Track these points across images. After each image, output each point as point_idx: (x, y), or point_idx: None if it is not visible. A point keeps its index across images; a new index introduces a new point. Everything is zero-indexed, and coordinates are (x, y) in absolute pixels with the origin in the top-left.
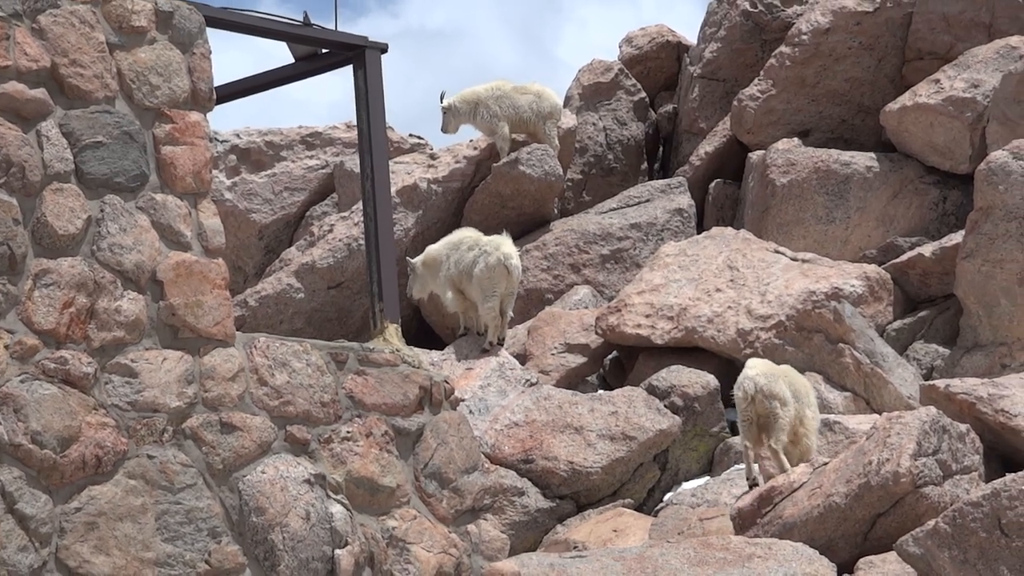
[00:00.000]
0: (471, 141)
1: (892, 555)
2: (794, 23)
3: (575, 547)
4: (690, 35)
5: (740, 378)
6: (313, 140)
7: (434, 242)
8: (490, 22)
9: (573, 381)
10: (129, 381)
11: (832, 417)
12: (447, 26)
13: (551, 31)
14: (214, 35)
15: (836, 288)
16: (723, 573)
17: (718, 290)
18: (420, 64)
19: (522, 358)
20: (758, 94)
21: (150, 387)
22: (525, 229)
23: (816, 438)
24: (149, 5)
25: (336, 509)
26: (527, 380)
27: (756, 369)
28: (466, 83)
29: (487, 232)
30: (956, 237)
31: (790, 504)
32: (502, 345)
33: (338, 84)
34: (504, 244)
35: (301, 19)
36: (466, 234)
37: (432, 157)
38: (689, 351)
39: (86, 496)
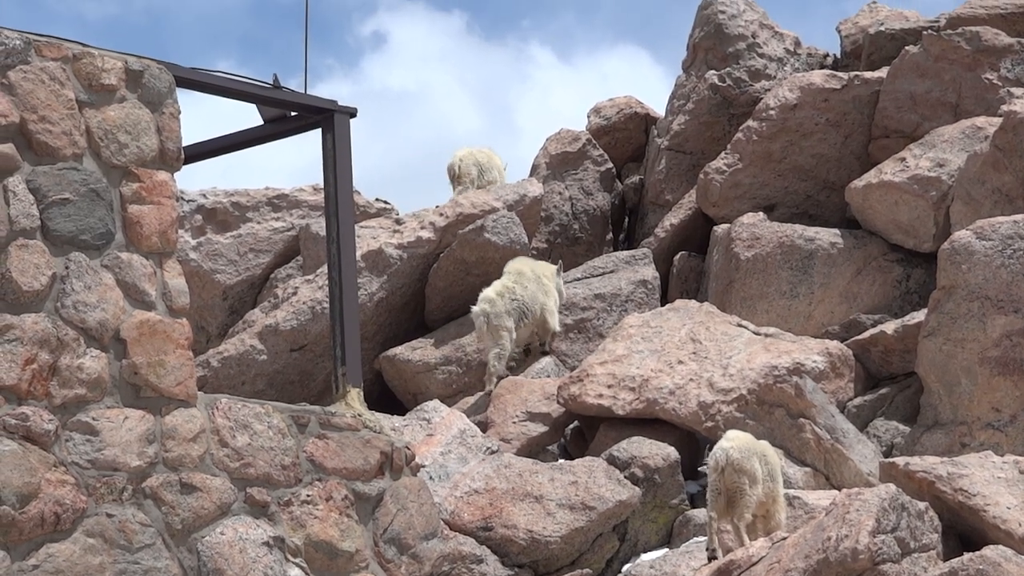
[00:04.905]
0: (436, 207)
1: None
2: (762, 98)
3: None
4: (658, 107)
5: (715, 447)
6: (279, 202)
7: (397, 307)
8: (452, 86)
9: (534, 450)
10: (90, 439)
11: (792, 492)
12: (409, 89)
13: (514, 97)
14: (182, 95)
15: (798, 363)
16: None
17: (680, 362)
18: (382, 127)
19: (483, 426)
20: (724, 167)
21: (111, 446)
22: None
23: (785, 514)
24: (119, 64)
25: (295, 572)
26: (488, 448)
27: (732, 442)
28: (429, 147)
29: (449, 299)
30: (918, 315)
31: None
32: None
33: (303, 147)
34: (482, 295)
35: (271, 81)
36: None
37: (398, 222)
38: (650, 422)
39: (44, 553)
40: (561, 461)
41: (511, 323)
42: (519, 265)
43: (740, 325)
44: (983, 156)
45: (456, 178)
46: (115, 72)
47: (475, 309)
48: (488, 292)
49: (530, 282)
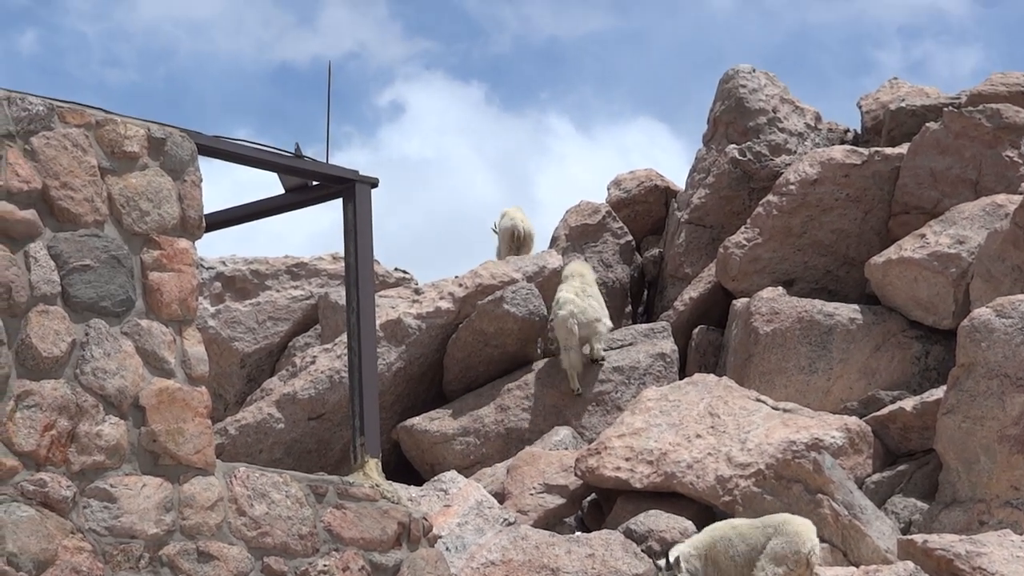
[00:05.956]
0: (456, 278)
1: None
2: (782, 173)
3: None
4: (678, 180)
5: (803, 537)
6: (298, 270)
7: (415, 377)
8: (470, 156)
9: (551, 522)
10: (107, 506)
11: None
12: (427, 158)
13: (533, 168)
14: (203, 163)
15: (816, 439)
16: None
17: (698, 436)
18: (400, 196)
19: (500, 497)
20: (744, 242)
21: (128, 513)
22: (507, 368)
23: None
24: (142, 131)
25: None
26: (505, 519)
27: (814, 530)
28: (447, 216)
29: (467, 369)
30: (937, 392)
31: None
32: (578, 395)
33: (321, 214)
34: (563, 298)
35: (293, 151)
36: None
37: (417, 292)
38: (668, 496)
39: None
40: (578, 534)
41: (600, 310)
42: (580, 268)
43: (758, 400)
44: (1003, 233)
45: (520, 240)
46: (138, 139)
47: (561, 313)
48: (566, 295)
49: (590, 286)
